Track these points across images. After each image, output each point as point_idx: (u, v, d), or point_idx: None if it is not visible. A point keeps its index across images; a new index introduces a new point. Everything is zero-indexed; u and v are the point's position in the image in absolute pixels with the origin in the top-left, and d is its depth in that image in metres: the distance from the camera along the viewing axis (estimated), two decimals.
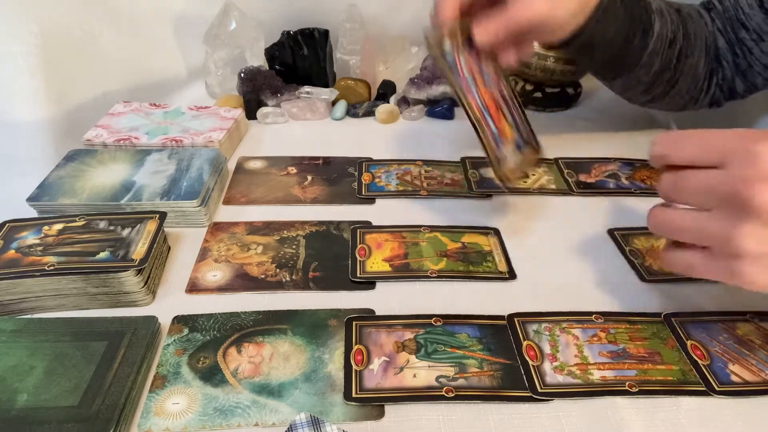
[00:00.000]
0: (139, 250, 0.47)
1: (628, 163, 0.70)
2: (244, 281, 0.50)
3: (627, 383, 0.41)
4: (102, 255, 0.46)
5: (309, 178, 0.65)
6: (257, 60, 0.83)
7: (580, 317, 0.47)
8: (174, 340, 0.44)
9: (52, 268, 0.44)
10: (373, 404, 0.39)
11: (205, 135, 0.67)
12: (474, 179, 0.65)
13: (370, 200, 0.62)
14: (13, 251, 0.46)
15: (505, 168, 0.52)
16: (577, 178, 0.66)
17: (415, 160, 0.69)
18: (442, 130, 0.77)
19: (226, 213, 0.59)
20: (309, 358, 0.43)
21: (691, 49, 0.65)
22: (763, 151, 0.33)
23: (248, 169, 0.67)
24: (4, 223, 0.50)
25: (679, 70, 0.65)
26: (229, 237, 0.55)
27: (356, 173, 0.66)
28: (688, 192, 0.38)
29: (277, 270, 0.51)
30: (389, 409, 0.39)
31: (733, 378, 0.42)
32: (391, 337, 0.44)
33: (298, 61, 0.83)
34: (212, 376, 0.41)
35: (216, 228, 0.56)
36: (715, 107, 0.74)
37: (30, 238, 0.48)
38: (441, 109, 0.80)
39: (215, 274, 0.51)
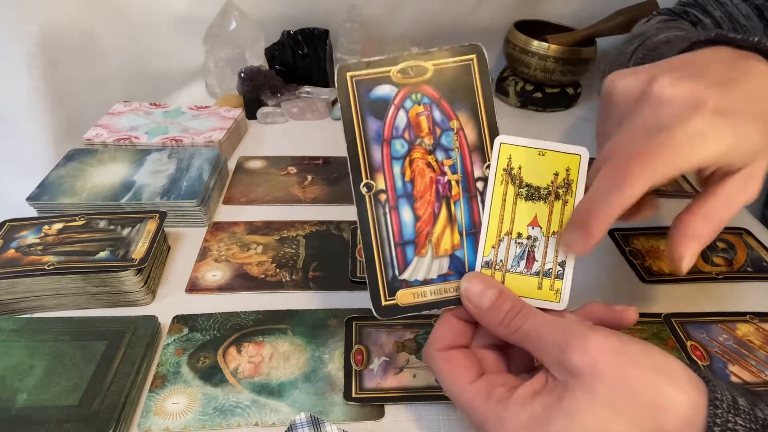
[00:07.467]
0: (139, 250, 0.47)
1: None
2: (244, 281, 0.50)
3: None
4: (102, 254, 0.46)
5: (309, 178, 0.65)
6: (257, 60, 0.83)
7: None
8: (174, 340, 0.44)
9: (51, 267, 0.44)
10: (373, 404, 0.39)
11: (205, 135, 0.67)
12: None
13: None
14: (12, 250, 0.46)
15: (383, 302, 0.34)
16: None
17: None
18: None
19: (226, 213, 0.59)
20: (309, 358, 0.43)
21: None
22: None
23: (248, 168, 0.67)
24: (4, 222, 0.50)
25: None
26: (229, 237, 0.55)
27: None
28: None
29: (277, 270, 0.51)
30: (389, 409, 0.39)
31: (733, 379, 0.42)
32: (391, 337, 0.44)
33: (298, 61, 0.83)
34: (212, 375, 0.41)
35: (216, 228, 0.56)
36: None
37: (30, 237, 0.48)
38: None
39: (215, 273, 0.51)
